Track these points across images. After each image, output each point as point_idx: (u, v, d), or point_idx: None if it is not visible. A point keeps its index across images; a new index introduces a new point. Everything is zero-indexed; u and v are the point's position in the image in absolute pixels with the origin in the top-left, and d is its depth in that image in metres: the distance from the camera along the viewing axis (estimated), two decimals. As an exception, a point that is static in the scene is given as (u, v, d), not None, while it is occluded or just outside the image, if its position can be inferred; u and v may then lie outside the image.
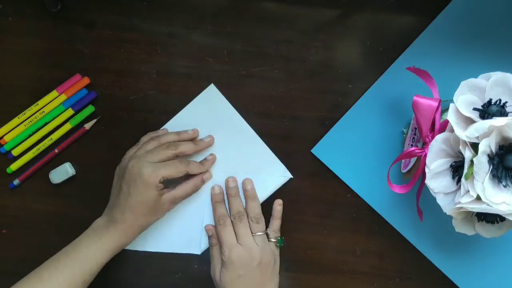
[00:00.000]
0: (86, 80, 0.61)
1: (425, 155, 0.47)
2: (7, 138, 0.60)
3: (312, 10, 0.60)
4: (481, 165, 0.42)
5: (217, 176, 0.60)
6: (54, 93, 0.60)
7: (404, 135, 0.57)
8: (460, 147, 0.44)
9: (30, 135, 0.60)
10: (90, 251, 0.52)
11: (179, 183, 0.57)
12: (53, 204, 0.61)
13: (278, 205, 0.59)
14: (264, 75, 0.60)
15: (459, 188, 0.45)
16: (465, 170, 0.43)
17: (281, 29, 0.60)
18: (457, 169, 0.46)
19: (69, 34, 0.61)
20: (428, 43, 0.58)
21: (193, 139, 0.59)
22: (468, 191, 0.44)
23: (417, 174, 0.50)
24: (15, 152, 0.60)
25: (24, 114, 0.60)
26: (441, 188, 0.47)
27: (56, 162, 0.61)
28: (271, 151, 0.60)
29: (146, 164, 0.52)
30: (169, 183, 0.55)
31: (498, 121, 0.41)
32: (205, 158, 0.59)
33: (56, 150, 0.60)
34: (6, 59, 0.61)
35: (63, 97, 0.60)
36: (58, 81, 0.60)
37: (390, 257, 0.59)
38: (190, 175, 0.57)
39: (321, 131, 0.59)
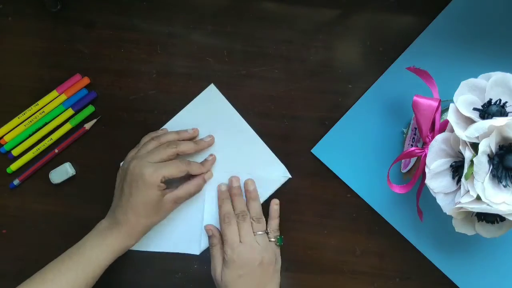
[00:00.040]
0: (86, 80, 0.61)
1: (425, 155, 0.47)
2: (7, 138, 0.60)
3: (312, 10, 0.60)
4: (481, 165, 0.42)
5: (218, 176, 0.60)
6: (54, 93, 0.60)
7: (404, 135, 0.57)
8: (460, 147, 0.44)
9: (30, 135, 0.60)
10: (94, 253, 0.52)
11: (180, 184, 0.57)
12: (53, 204, 0.61)
13: (275, 204, 0.59)
14: (264, 75, 0.60)
15: (459, 188, 0.45)
16: (465, 170, 0.43)
17: (281, 29, 0.60)
18: (457, 169, 0.46)
19: (69, 34, 0.61)
20: (428, 43, 0.58)
21: (193, 138, 0.59)
22: (468, 191, 0.44)
23: (417, 174, 0.50)
24: (15, 152, 0.60)
25: (24, 114, 0.60)
26: (441, 188, 0.47)
27: (56, 162, 0.61)
28: (271, 151, 0.60)
29: (147, 164, 0.52)
30: (170, 184, 0.55)
31: (498, 121, 0.41)
32: (205, 159, 0.59)
33: (56, 150, 0.60)
34: (6, 59, 0.61)
35: (63, 97, 0.60)
36: (58, 81, 0.60)
37: (390, 257, 0.59)
38: (191, 176, 0.57)
39: (321, 131, 0.59)
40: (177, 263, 0.60)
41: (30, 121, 0.60)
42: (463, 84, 0.46)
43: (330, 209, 0.59)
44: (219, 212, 0.58)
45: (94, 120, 0.60)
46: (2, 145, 0.60)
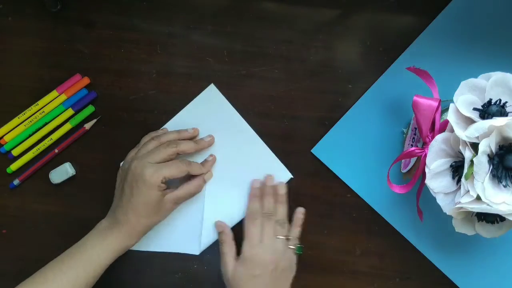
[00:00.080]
0: (86, 80, 0.61)
1: (425, 155, 0.47)
2: (7, 138, 0.60)
3: (312, 10, 0.60)
4: (481, 165, 0.42)
5: (218, 176, 0.60)
6: (54, 93, 0.60)
7: (404, 135, 0.57)
8: (460, 147, 0.44)
9: (30, 135, 0.60)
10: (95, 252, 0.52)
11: (180, 184, 0.57)
12: (53, 204, 0.61)
13: (300, 213, 0.59)
14: (264, 75, 0.60)
15: (459, 188, 0.45)
16: (465, 170, 0.43)
17: (281, 29, 0.60)
18: (457, 169, 0.46)
19: (69, 34, 0.61)
20: (428, 43, 0.58)
21: (193, 138, 0.59)
22: (468, 191, 0.44)
23: (417, 174, 0.50)
24: (15, 152, 0.60)
25: (24, 114, 0.60)
26: (441, 188, 0.47)
27: (56, 162, 0.61)
28: (271, 151, 0.60)
29: (147, 164, 0.52)
30: (170, 184, 0.55)
31: (498, 121, 0.41)
32: (205, 159, 0.59)
33: (56, 150, 0.60)
34: (6, 59, 0.61)
35: (63, 97, 0.60)
36: (58, 81, 0.60)
37: (390, 257, 0.59)
38: (191, 176, 0.57)
39: (321, 131, 0.59)
40: (177, 263, 0.60)
41: (30, 121, 0.60)
42: (463, 84, 0.46)
43: (330, 209, 0.59)
44: (247, 207, 0.58)
45: (94, 120, 0.60)
46: (2, 145, 0.60)
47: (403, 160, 0.56)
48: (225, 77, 0.60)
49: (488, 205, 0.42)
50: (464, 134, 0.43)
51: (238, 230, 0.58)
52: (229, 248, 0.56)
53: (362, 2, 0.59)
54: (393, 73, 0.58)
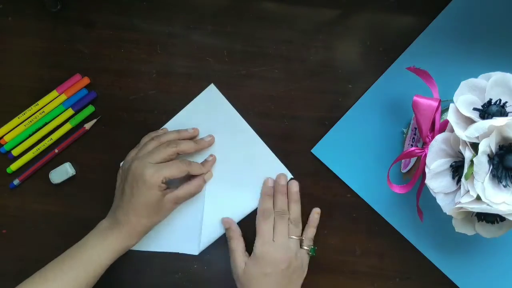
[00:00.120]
0: (86, 80, 0.61)
1: (425, 155, 0.47)
2: (7, 138, 0.60)
3: (312, 10, 0.60)
4: (481, 165, 0.42)
5: (218, 176, 0.60)
6: (54, 93, 0.60)
7: (404, 135, 0.57)
8: (460, 147, 0.44)
9: (30, 135, 0.60)
10: (95, 252, 0.52)
11: (180, 184, 0.57)
12: (53, 204, 0.61)
13: (316, 213, 0.59)
14: (264, 75, 0.60)
15: (459, 188, 0.45)
16: (465, 170, 0.43)
17: (281, 29, 0.60)
18: (457, 169, 0.46)
19: (69, 34, 0.61)
20: (428, 43, 0.58)
21: (193, 138, 0.59)
22: (468, 191, 0.44)
23: (417, 174, 0.50)
24: (15, 152, 0.60)
25: (24, 114, 0.60)
26: (441, 188, 0.47)
27: (56, 162, 0.61)
28: (271, 151, 0.59)
29: (148, 165, 0.52)
30: (170, 184, 0.55)
31: (498, 121, 0.41)
32: (205, 159, 0.59)
33: (56, 150, 0.60)
34: (6, 59, 0.61)
35: (63, 97, 0.60)
36: (58, 81, 0.60)
37: (390, 257, 0.59)
38: (191, 176, 0.57)
39: (321, 131, 0.59)
40: (177, 263, 0.60)
41: (30, 121, 0.60)
42: (463, 84, 0.46)
43: (330, 209, 0.59)
44: (259, 206, 0.58)
45: (94, 120, 0.60)
46: (2, 145, 0.60)
47: (403, 160, 0.56)
48: (225, 77, 0.60)
49: (488, 205, 0.42)
50: (464, 134, 0.43)
51: (243, 230, 0.58)
52: (237, 244, 0.56)
53: (362, 2, 0.59)
54: (393, 73, 0.58)
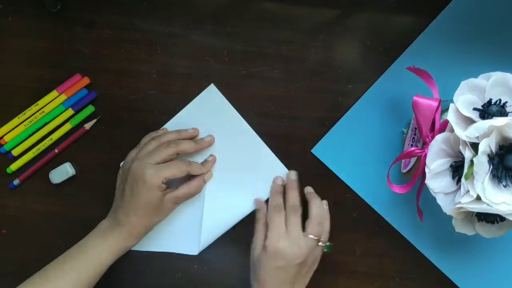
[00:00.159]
0: (86, 80, 0.61)
1: (425, 155, 0.47)
2: (7, 138, 0.60)
3: (312, 10, 0.60)
4: (481, 165, 0.42)
5: (218, 176, 0.60)
6: (54, 93, 0.60)
7: (404, 135, 0.57)
8: (460, 147, 0.44)
9: (30, 135, 0.60)
10: (96, 252, 0.52)
11: (180, 184, 0.57)
12: (53, 204, 0.61)
13: (325, 205, 0.58)
14: (264, 75, 0.60)
15: (459, 188, 0.45)
16: (465, 170, 0.43)
17: (281, 29, 0.60)
18: (457, 169, 0.46)
19: (69, 34, 0.61)
20: (428, 43, 0.58)
21: (193, 138, 0.59)
22: (468, 191, 0.44)
23: (417, 174, 0.50)
24: (15, 152, 0.60)
25: (24, 114, 0.60)
26: (441, 188, 0.47)
27: (56, 162, 0.61)
28: (271, 151, 0.59)
29: (148, 165, 0.52)
30: (170, 184, 0.55)
31: (498, 121, 0.41)
32: (205, 159, 0.59)
33: (56, 150, 0.60)
34: (6, 59, 0.61)
35: (63, 97, 0.60)
36: (58, 81, 0.60)
37: (390, 257, 0.59)
38: (191, 176, 0.57)
39: (321, 131, 0.59)
40: (177, 263, 0.60)
41: (30, 121, 0.60)
42: (463, 84, 0.46)
43: (330, 209, 0.59)
44: (270, 202, 0.57)
45: (94, 120, 0.60)
46: (2, 145, 0.60)
47: (403, 160, 0.56)
48: (225, 77, 0.60)
49: (488, 205, 0.42)
50: (464, 134, 0.43)
51: (243, 230, 0.58)
52: (262, 228, 0.55)
53: (362, 2, 0.59)
54: (393, 73, 0.58)
